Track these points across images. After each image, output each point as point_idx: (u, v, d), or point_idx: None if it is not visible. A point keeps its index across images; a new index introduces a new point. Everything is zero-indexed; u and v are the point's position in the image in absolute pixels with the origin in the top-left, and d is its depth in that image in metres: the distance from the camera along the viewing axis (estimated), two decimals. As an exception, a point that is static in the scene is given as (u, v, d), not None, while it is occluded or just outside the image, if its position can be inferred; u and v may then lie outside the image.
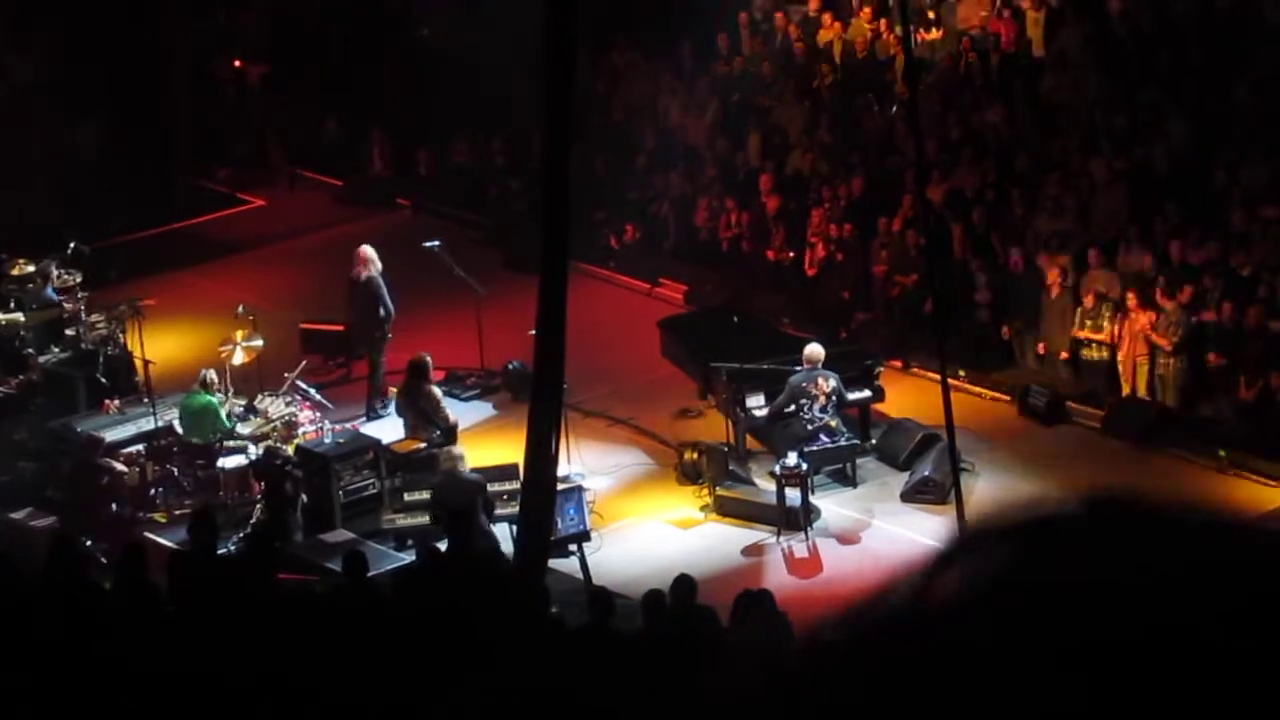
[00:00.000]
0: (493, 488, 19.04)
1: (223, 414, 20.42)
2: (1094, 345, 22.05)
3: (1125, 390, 21.75)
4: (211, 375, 20.61)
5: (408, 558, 17.96)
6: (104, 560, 17.68)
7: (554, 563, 17.95)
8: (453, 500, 17.68)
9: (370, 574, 15.67)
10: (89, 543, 18.04)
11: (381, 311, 22.56)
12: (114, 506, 19.77)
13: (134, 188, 29.27)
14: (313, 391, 21.45)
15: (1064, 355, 22.37)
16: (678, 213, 26.83)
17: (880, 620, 1.95)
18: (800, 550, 19.37)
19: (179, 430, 20.67)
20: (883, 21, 27.38)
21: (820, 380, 20.24)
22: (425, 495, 19.07)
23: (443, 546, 16.64)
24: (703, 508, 20.17)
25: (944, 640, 1.86)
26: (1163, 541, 1.87)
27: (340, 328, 23.30)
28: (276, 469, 19.69)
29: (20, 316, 22.84)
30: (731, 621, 13.96)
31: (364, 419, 22.16)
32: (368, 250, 22.90)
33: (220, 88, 32.27)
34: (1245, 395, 20.77)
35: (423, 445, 20.20)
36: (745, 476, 20.61)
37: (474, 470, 19.12)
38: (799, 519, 19.53)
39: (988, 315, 22.96)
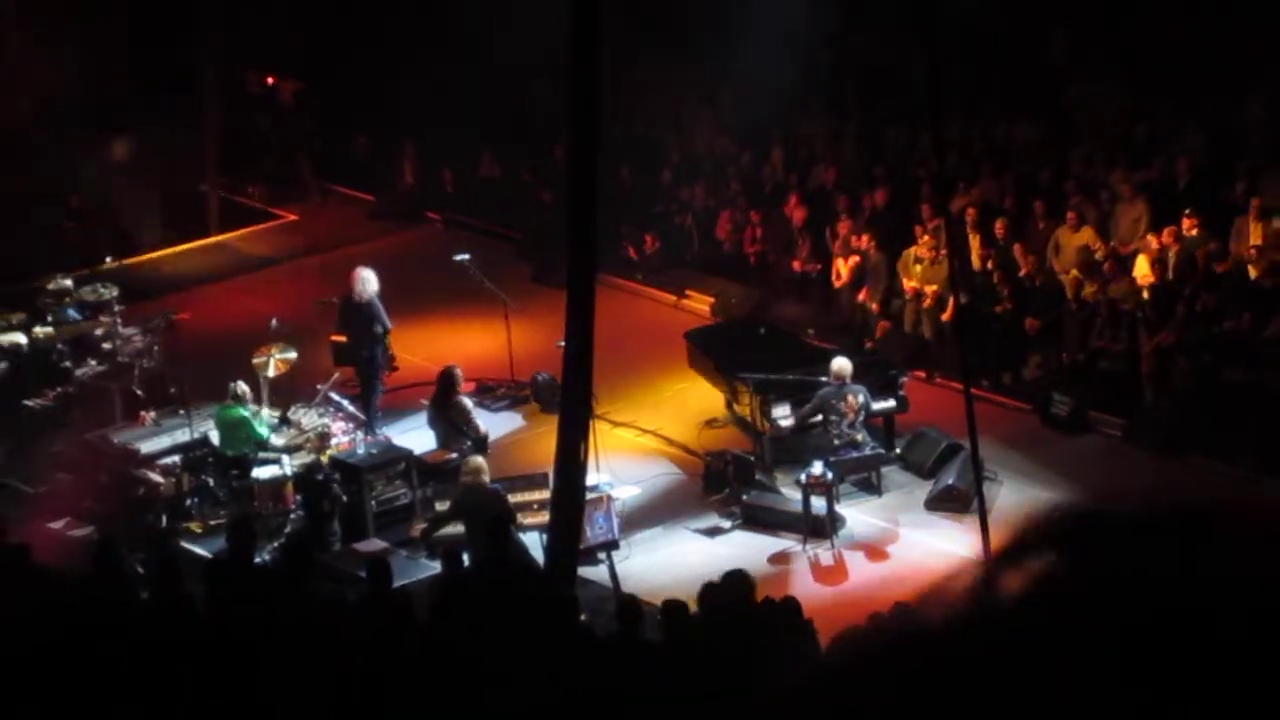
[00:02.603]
0: (522, 497, 19.19)
1: (255, 425, 20.61)
2: (1114, 355, 22.18)
3: (1147, 399, 21.88)
4: (243, 387, 20.79)
5: (439, 566, 18.05)
6: (140, 570, 17.86)
7: (583, 571, 18.13)
8: (477, 512, 17.83)
9: (400, 583, 15.81)
10: (125, 553, 18.22)
11: (379, 329, 22.34)
12: (149, 517, 19.98)
13: (167, 202, 29.50)
14: (345, 403, 21.58)
15: (1083, 363, 22.52)
16: (701, 225, 27.02)
17: (938, 622, 2.09)
18: (826, 559, 19.45)
19: (214, 442, 20.92)
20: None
21: (850, 397, 20.33)
22: (445, 506, 19.21)
23: (465, 557, 16.83)
24: (729, 516, 20.29)
25: (1004, 639, 2.02)
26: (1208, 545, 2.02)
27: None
28: (319, 483, 19.90)
29: (52, 330, 23.08)
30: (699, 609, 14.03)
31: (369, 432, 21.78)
32: (365, 271, 22.58)
33: (253, 103, 32.48)
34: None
35: (453, 456, 20.31)
36: (771, 486, 20.78)
37: (504, 480, 19.32)
38: (825, 527, 19.63)
39: (1010, 326, 23.09)
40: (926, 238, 23.92)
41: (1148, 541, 2.00)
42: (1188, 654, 1.89)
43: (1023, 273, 23.36)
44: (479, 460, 18.94)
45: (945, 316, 23.26)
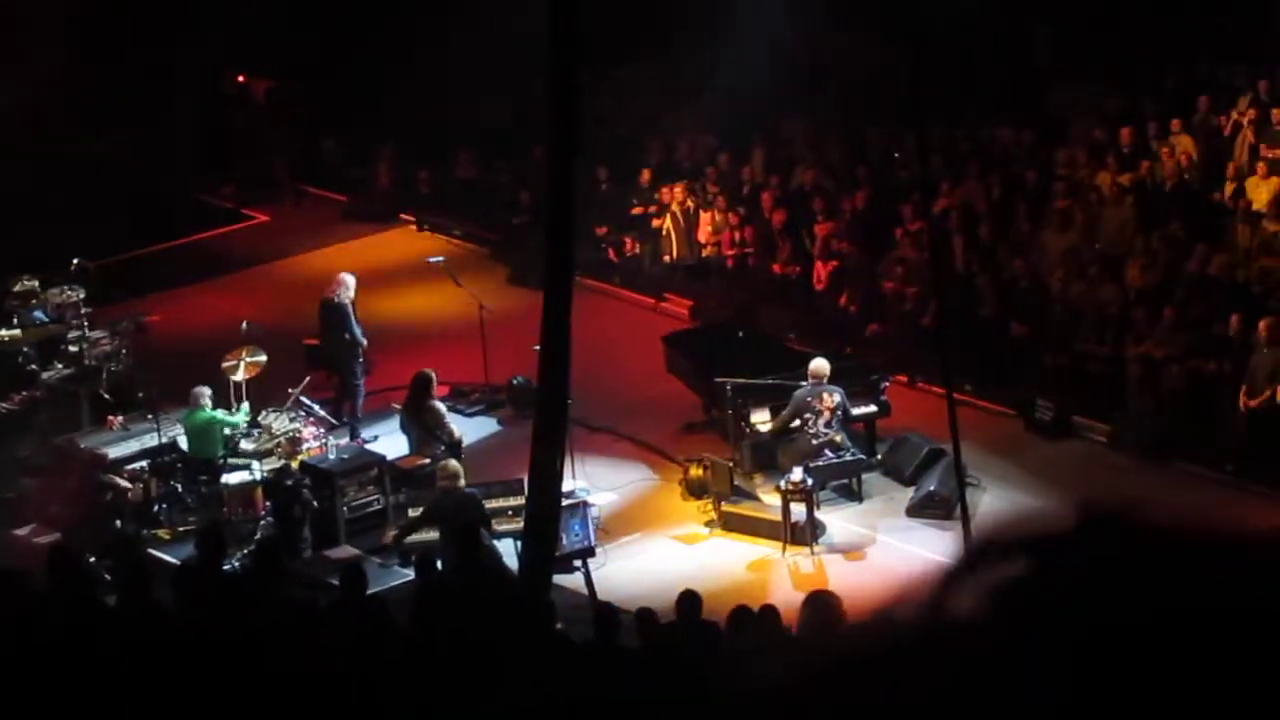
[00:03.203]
0: (497, 503, 19.01)
1: (224, 416, 20.44)
2: (1100, 358, 21.99)
3: (1132, 404, 21.67)
4: (206, 392, 20.58)
5: (411, 573, 17.85)
6: (108, 577, 17.61)
7: (559, 579, 17.88)
8: (451, 516, 17.56)
9: (372, 590, 15.62)
10: (92, 559, 17.99)
11: (347, 336, 22.46)
12: (117, 523, 19.73)
13: (139, 203, 29.22)
14: (316, 407, 21.38)
15: (1071, 368, 22.33)
16: (680, 228, 26.81)
17: (897, 635, 2.01)
18: (806, 566, 19.28)
19: (183, 447, 20.65)
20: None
21: (825, 395, 20.18)
22: (420, 511, 18.98)
23: (439, 563, 16.63)
24: (708, 523, 20.11)
25: (960, 652, 1.93)
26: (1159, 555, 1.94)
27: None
28: (289, 489, 19.64)
29: (18, 333, 22.84)
30: (728, 634, 13.88)
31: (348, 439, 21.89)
32: (346, 277, 22.88)
33: (226, 103, 32.26)
34: (1253, 406, 20.65)
35: (427, 461, 20.12)
36: (750, 492, 20.54)
37: (480, 485, 19.08)
38: (805, 534, 19.45)
39: (994, 329, 22.90)
40: (909, 240, 23.73)
41: (1112, 552, 1.96)
42: (1146, 668, 1.85)
43: (1007, 275, 23.14)
44: (454, 465, 18.79)
45: (927, 320, 23.06)
